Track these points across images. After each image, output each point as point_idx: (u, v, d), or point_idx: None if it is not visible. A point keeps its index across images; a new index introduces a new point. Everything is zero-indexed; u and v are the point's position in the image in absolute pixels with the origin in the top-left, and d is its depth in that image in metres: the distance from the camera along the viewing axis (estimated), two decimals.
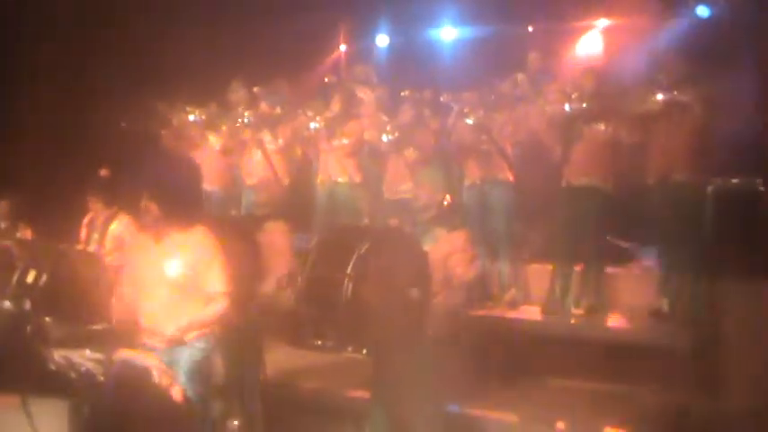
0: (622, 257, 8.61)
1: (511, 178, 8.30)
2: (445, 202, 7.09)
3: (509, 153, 8.32)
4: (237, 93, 10.06)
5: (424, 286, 5.18)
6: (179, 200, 4.77)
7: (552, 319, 7.71)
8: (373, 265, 4.88)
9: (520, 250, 8.52)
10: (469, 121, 8.30)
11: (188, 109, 9.95)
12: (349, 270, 4.82)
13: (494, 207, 8.36)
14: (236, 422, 6.56)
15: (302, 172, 9.99)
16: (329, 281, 4.90)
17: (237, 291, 4.92)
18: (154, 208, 4.71)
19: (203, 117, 9.95)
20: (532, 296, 8.30)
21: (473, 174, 8.48)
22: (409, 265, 5.16)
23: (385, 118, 9.25)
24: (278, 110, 9.87)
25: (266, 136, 9.66)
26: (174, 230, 4.79)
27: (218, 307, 4.83)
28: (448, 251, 5.68)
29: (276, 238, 6.46)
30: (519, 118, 8.39)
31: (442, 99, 9.06)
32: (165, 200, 4.71)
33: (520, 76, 8.68)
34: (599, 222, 7.78)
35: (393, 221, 7.71)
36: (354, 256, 4.86)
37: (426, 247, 5.49)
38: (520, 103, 8.47)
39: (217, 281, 4.82)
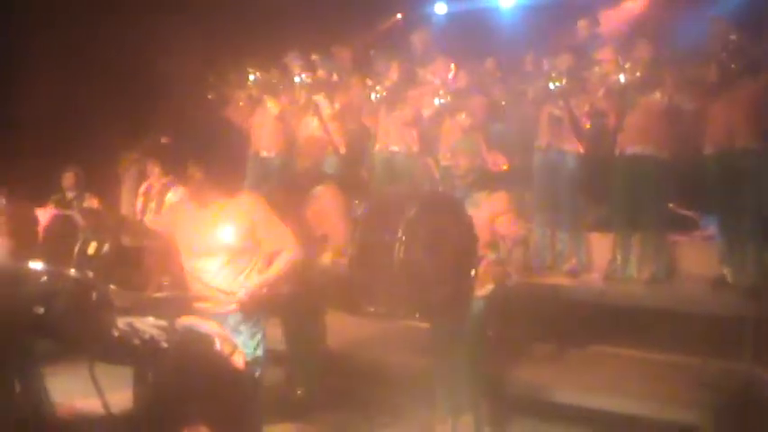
0: (685, 226, 8.48)
1: (577, 147, 8.19)
2: (504, 167, 7.05)
3: (581, 122, 8.21)
4: (295, 60, 10.11)
5: (471, 249, 5.17)
6: (223, 166, 4.79)
7: (613, 288, 7.64)
8: (422, 228, 4.86)
9: (582, 218, 8.44)
10: (552, 86, 8.17)
11: (249, 70, 10.04)
12: (399, 234, 4.76)
13: (559, 174, 8.28)
14: (298, 391, 6.65)
15: (359, 140, 10.03)
16: (380, 246, 4.85)
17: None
18: (198, 173, 4.73)
19: (263, 81, 10.03)
20: (594, 265, 8.23)
21: (542, 140, 8.41)
22: (455, 225, 5.16)
23: (437, 82, 9.19)
24: (334, 77, 9.88)
25: (323, 102, 9.70)
26: (220, 197, 4.80)
27: (286, 259, 4.82)
28: (491, 214, 5.67)
29: (328, 203, 6.47)
30: (584, 87, 8.29)
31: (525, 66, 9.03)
32: (209, 166, 4.73)
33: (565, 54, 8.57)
34: (658, 191, 7.69)
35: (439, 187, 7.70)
36: (404, 220, 4.80)
37: (469, 211, 5.47)
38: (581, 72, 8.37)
39: (280, 237, 4.83)
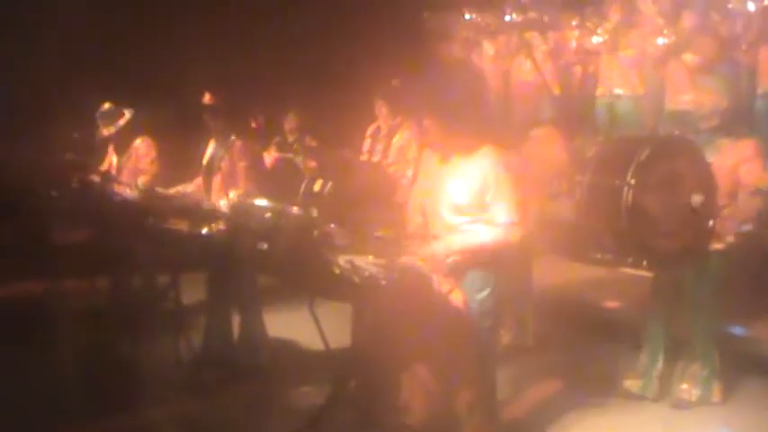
0: None
1: None
2: None
3: None
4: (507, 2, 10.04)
5: (708, 196, 4.86)
6: (460, 119, 4.41)
7: None
8: (654, 172, 4.61)
9: None
10: None
11: (465, 11, 10.04)
12: (629, 177, 4.54)
13: None
14: (506, 336, 6.55)
15: (574, 81, 9.88)
16: (608, 189, 4.65)
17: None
18: (434, 127, 4.47)
19: (478, 22, 10.02)
20: None
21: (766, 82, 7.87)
22: (692, 172, 4.84)
23: (661, 21, 8.82)
24: (545, 18, 9.70)
25: (536, 42, 9.59)
26: (459, 151, 4.46)
27: (504, 236, 4.39)
28: (735, 161, 5.29)
29: (546, 145, 6.29)
30: None
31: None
32: (445, 119, 4.41)
33: None
34: None
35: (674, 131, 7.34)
36: (634, 163, 4.57)
37: (709, 158, 5.11)
38: None
39: (506, 210, 4.37)
